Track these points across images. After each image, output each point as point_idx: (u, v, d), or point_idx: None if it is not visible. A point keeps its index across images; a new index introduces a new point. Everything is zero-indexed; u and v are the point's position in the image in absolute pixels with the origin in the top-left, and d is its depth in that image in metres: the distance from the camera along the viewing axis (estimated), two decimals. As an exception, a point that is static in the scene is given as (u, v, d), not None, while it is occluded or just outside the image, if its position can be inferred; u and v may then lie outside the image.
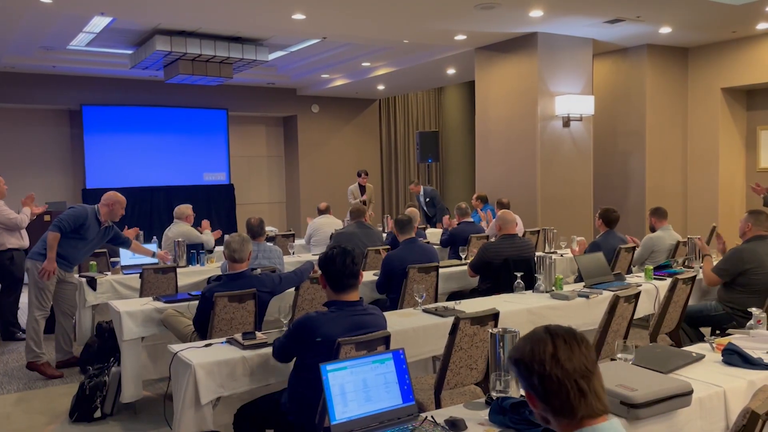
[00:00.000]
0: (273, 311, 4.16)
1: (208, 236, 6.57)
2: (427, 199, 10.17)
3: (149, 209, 11.36)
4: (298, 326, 2.76)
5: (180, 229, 6.40)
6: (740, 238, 4.60)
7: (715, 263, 4.67)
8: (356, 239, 6.08)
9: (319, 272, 2.89)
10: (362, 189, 10.36)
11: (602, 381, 1.50)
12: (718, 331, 4.50)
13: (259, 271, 4.19)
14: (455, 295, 5.39)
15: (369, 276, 5.14)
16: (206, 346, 3.21)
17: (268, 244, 5.49)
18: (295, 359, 2.88)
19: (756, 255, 4.38)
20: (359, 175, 10.39)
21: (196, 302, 4.16)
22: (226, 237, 3.97)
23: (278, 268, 5.24)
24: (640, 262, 5.75)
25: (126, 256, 5.83)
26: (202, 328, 3.82)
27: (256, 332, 3.32)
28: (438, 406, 2.94)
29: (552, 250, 6.64)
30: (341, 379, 2.21)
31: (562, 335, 1.49)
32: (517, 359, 1.52)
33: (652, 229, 5.93)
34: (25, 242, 6.14)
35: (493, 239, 5.68)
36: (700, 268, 4.91)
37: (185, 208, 6.58)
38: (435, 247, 5.99)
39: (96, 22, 7.70)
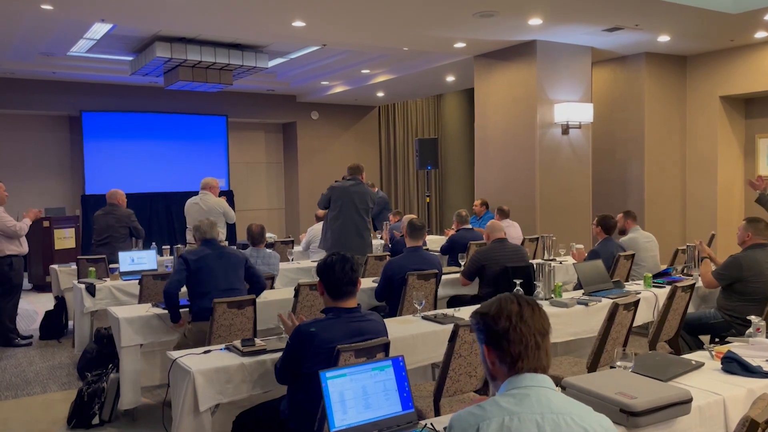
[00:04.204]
0: (272, 318, 4.16)
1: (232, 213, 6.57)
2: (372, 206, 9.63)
3: (148, 215, 11.32)
4: (295, 336, 2.75)
5: (216, 200, 6.40)
6: (739, 246, 4.60)
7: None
8: (350, 193, 6.04)
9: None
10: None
11: (550, 345, 1.69)
12: (717, 339, 4.50)
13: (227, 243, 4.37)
14: (455, 301, 5.39)
15: (368, 283, 5.14)
16: (205, 352, 3.21)
17: (267, 250, 5.49)
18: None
19: (755, 263, 4.38)
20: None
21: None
22: (196, 222, 4.06)
23: (275, 275, 5.25)
24: None
25: (125, 263, 5.80)
26: (174, 292, 4.03)
27: (255, 339, 3.32)
28: (437, 413, 2.93)
29: (551, 257, 6.64)
30: (341, 386, 2.21)
31: (527, 300, 1.68)
32: (483, 313, 1.67)
33: (623, 232, 5.90)
34: (24, 248, 6.15)
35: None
36: (699, 276, 4.91)
37: (211, 180, 6.58)
38: (435, 254, 5.98)
39: (96, 28, 7.72)
